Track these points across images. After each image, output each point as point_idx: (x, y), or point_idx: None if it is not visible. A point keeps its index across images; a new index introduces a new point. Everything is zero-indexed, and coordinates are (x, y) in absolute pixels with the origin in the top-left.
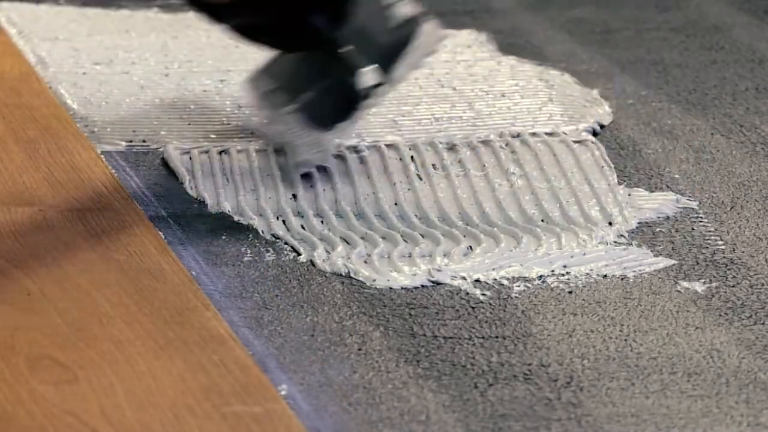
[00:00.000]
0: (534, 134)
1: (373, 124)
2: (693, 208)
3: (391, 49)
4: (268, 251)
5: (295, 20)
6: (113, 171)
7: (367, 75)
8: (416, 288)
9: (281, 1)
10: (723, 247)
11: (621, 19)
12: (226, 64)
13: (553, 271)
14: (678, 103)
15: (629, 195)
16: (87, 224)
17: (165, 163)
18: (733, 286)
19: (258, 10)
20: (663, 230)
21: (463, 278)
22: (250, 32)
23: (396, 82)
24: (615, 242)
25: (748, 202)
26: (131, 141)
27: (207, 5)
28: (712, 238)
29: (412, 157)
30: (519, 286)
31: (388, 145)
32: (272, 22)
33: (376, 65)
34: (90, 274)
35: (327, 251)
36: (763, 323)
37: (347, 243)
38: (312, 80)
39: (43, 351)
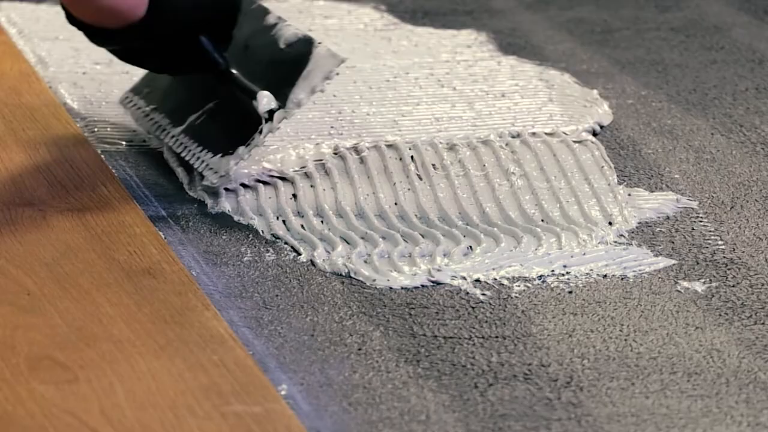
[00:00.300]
0: (534, 134)
1: (373, 124)
2: (693, 208)
3: (283, 72)
4: (268, 251)
5: (185, 44)
6: (113, 171)
7: (264, 99)
8: (416, 288)
9: (173, 25)
10: (723, 247)
11: (621, 19)
12: None
13: (553, 271)
14: (678, 103)
15: (629, 195)
16: (87, 224)
17: (165, 163)
18: (733, 286)
19: (148, 35)
20: (663, 230)
21: (463, 278)
22: (136, 56)
23: (295, 105)
24: (615, 242)
25: (748, 202)
26: (131, 141)
27: (94, 29)
28: (712, 238)
29: (412, 157)
30: (519, 286)
31: (388, 145)
32: (161, 46)
33: (270, 90)
34: (90, 274)
35: (327, 251)
36: (763, 323)
37: (347, 243)
38: (196, 103)
39: (43, 351)
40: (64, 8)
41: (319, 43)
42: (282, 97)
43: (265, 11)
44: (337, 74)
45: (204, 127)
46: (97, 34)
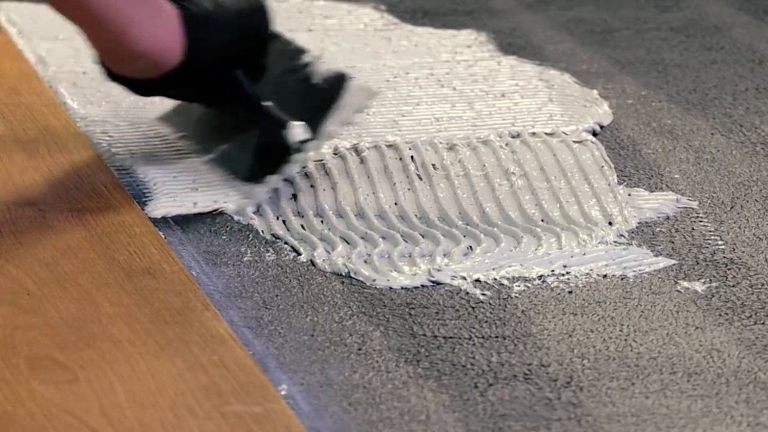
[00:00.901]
0: (534, 134)
1: (373, 124)
2: (693, 208)
3: (314, 106)
4: (268, 251)
5: (220, 80)
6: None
7: (296, 129)
8: (416, 288)
9: (209, 65)
10: (723, 247)
11: (621, 19)
12: None
13: (553, 271)
14: (678, 103)
15: (629, 195)
16: (87, 224)
17: (165, 163)
18: (733, 286)
19: (186, 81)
20: (663, 230)
21: (463, 278)
22: (174, 95)
23: (325, 137)
24: (615, 242)
25: (748, 202)
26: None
27: (134, 81)
28: (712, 238)
29: (412, 157)
30: (519, 286)
31: (388, 145)
32: (199, 86)
33: (303, 121)
34: (90, 274)
35: (327, 251)
36: (763, 323)
37: (347, 243)
38: (226, 132)
39: (43, 351)
40: (104, 66)
41: (352, 77)
42: (314, 128)
43: (301, 51)
44: (368, 108)
45: (231, 157)
46: (138, 86)
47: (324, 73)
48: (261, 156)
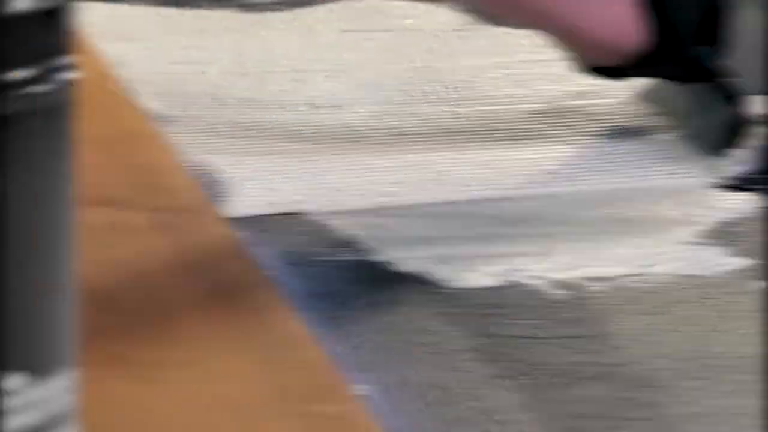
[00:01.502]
0: None
1: None
2: None
3: None
4: (344, 251)
5: (686, 57)
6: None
7: (757, 102)
8: (493, 288)
9: (677, 45)
10: None
11: None
12: (303, 64)
13: (631, 270)
14: None
15: (706, 194)
16: (164, 228)
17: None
18: None
19: (653, 61)
20: (741, 230)
21: (541, 278)
22: (647, 75)
23: None
24: (693, 242)
25: None
26: None
27: (603, 69)
28: None
29: None
30: (597, 285)
31: None
32: (667, 66)
33: (764, 93)
34: (164, 274)
35: (404, 251)
36: None
37: (424, 243)
38: (694, 108)
39: (118, 349)
40: (575, 61)
41: None
42: None
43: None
44: None
45: (700, 132)
46: (610, 73)
47: None
48: (725, 131)
